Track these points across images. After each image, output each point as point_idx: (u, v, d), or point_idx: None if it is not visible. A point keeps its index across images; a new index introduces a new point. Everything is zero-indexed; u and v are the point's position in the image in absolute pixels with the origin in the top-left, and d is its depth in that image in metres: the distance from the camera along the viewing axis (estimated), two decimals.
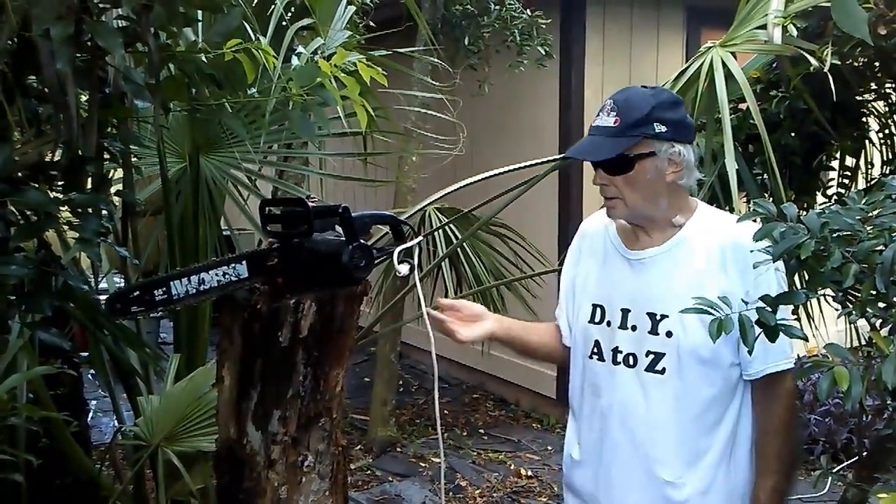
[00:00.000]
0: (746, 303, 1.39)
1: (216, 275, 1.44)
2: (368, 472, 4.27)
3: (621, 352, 1.62)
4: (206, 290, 1.43)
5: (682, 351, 1.56)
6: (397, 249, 1.63)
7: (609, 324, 1.65)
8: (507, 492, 4.07)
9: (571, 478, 1.76)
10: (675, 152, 1.54)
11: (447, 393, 5.54)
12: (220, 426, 1.59)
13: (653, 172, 1.54)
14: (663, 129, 1.52)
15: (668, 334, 1.57)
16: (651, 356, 1.59)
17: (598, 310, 1.68)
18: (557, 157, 3.19)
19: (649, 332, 1.59)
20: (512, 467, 4.33)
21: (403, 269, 1.62)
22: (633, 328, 1.62)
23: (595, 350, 1.67)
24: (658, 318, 1.58)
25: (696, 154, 1.61)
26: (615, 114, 1.54)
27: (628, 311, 1.63)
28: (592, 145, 1.56)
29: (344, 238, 1.50)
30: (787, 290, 1.65)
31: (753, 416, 1.63)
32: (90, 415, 3.67)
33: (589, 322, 1.70)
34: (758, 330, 1.63)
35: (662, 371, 1.58)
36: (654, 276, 1.60)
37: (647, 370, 1.59)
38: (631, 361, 1.61)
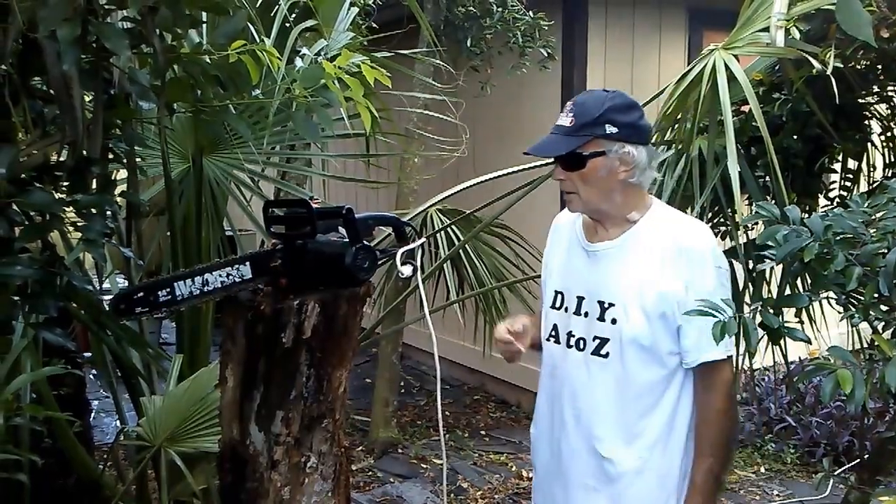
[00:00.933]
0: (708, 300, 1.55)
1: (220, 276, 1.45)
2: (370, 473, 4.27)
3: (574, 336, 1.74)
4: (209, 291, 1.44)
5: (625, 338, 1.67)
6: (400, 251, 1.63)
7: (566, 310, 1.78)
8: (508, 493, 4.07)
9: (533, 450, 1.93)
10: (625, 153, 1.64)
11: (448, 394, 5.53)
12: (223, 427, 1.59)
13: (604, 170, 1.65)
14: (614, 130, 1.63)
15: (613, 321, 1.69)
16: (597, 341, 1.70)
17: (559, 296, 1.81)
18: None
19: (598, 319, 1.71)
20: (513, 469, 4.33)
21: (406, 270, 1.64)
22: (586, 314, 1.74)
23: (553, 333, 1.80)
24: (606, 305, 1.70)
25: (651, 155, 1.70)
26: (572, 115, 1.66)
27: (583, 298, 1.75)
28: (549, 143, 1.68)
29: (347, 240, 1.50)
30: (728, 288, 1.72)
31: (693, 403, 1.71)
32: (92, 415, 3.67)
33: (550, 307, 1.82)
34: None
35: (606, 355, 1.69)
36: (606, 267, 1.72)
37: (592, 354, 1.71)
38: (581, 345, 1.73)
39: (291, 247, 1.52)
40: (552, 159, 1.75)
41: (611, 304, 1.69)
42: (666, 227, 1.71)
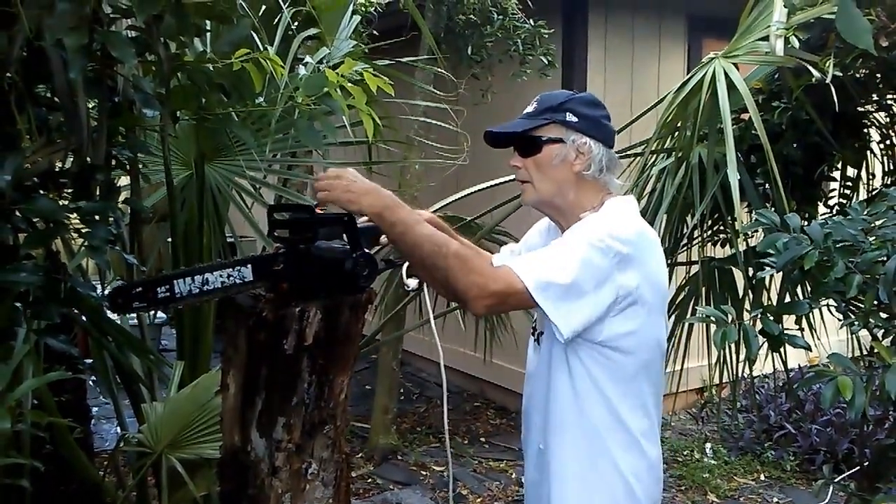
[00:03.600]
0: None
1: (220, 276, 1.44)
2: (369, 479, 4.26)
3: (537, 330, 1.76)
4: (209, 291, 1.43)
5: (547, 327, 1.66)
6: (406, 263, 1.64)
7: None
8: (508, 500, 4.06)
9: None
10: (583, 143, 1.61)
11: (448, 401, 5.52)
12: (225, 433, 1.59)
13: (558, 158, 1.62)
14: (574, 119, 1.61)
15: None
16: (540, 333, 1.73)
17: None
18: None
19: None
20: (513, 476, 4.32)
21: (412, 283, 1.66)
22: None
23: (532, 332, 1.81)
24: None
25: (611, 158, 1.66)
26: (536, 103, 1.66)
27: None
28: (506, 125, 1.68)
29: (349, 246, 1.51)
30: (579, 253, 1.54)
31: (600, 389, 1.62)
32: (93, 421, 3.67)
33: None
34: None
35: (539, 342, 1.72)
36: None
37: (536, 342, 1.75)
38: (538, 338, 1.76)
39: (293, 251, 1.51)
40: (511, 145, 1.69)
41: None
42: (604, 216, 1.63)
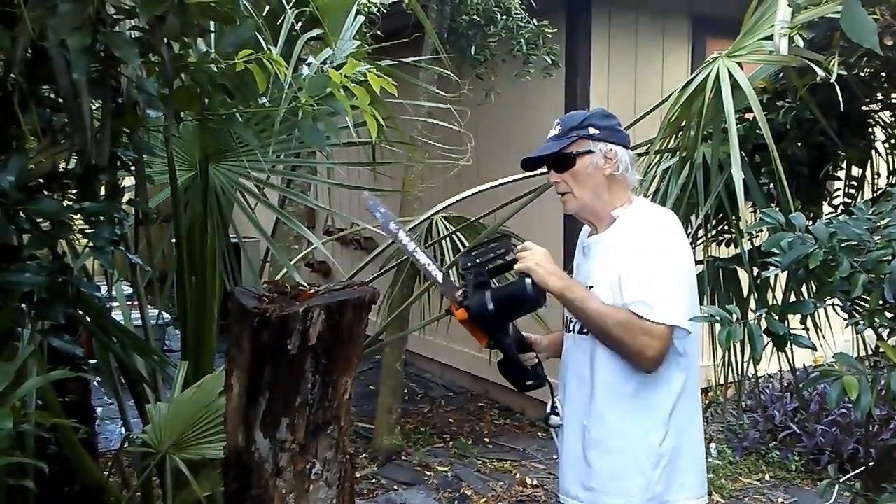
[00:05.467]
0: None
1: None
2: (374, 480, 4.26)
3: (572, 321, 1.96)
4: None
5: None
6: (550, 404, 1.95)
7: None
8: (512, 501, 4.06)
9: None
10: (608, 150, 1.89)
11: (452, 401, 5.53)
12: (229, 433, 1.59)
13: (591, 166, 1.89)
14: (596, 131, 1.89)
15: None
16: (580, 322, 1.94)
17: None
18: None
19: None
20: (517, 476, 4.32)
21: (555, 420, 1.94)
22: None
23: (564, 324, 2.02)
24: (588, 288, 1.91)
25: (631, 157, 1.93)
26: (559, 126, 1.93)
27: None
28: (541, 150, 1.94)
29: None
30: (661, 261, 1.83)
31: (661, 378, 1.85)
32: (97, 422, 3.68)
33: None
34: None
35: (586, 332, 1.91)
36: (592, 257, 1.96)
37: (578, 332, 1.94)
38: (572, 327, 1.97)
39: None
40: (546, 166, 1.96)
41: (590, 287, 1.90)
42: (633, 220, 1.90)
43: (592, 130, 1.88)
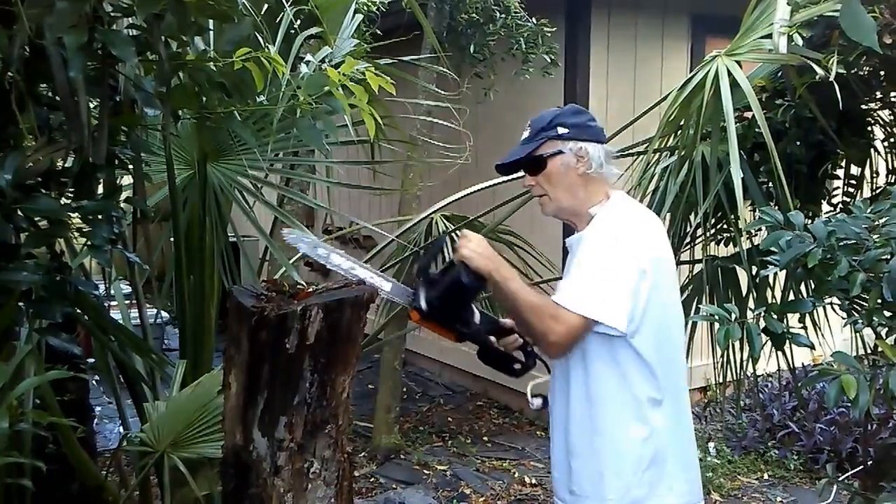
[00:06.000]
0: None
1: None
2: (372, 479, 4.26)
3: None
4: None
5: None
6: (532, 383, 1.89)
7: None
8: (510, 500, 4.06)
9: None
10: (579, 148, 1.84)
11: (451, 400, 5.53)
12: (227, 432, 1.59)
13: (563, 166, 1.85)
14: (565, 130, 1.85)
15: None
16: None
17: None
18: None
19: None
20: (516, 475, 4.32)
21: (537, 402, 1.89)
22: None
23: None
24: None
25: (606, 151, 1.88)
26: (528, 128, 1.91)
27: None
28: (510, 154, 1.92)
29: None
30: (598, 258, 1.79)
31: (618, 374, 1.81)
32: (95, 421, 3.68)
33: None
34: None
35: None
36: (571, 256, 1.92)
37: None
38: None
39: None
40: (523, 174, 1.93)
41: None
42: (605, 217, 1.86)
43: (561, 130, 1.85)
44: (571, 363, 1.83)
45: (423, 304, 1.78)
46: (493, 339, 1.92)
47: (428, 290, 1.80)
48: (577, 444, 1.84)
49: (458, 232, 2.21)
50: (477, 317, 1.87)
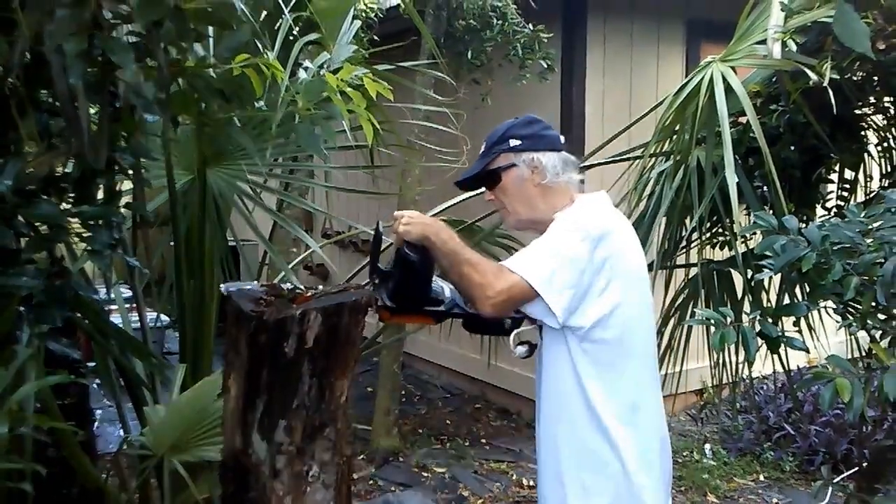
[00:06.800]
0: None
1: None
2: (371, 482, 4.27)
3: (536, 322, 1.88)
4: None
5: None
6: (515, 331, 1.85)
7: None
8: (509, 502, 4.07)
9: None
10: (530, 159, 1.83)
11: (450, 402, 5.54)
12: (226, 436, 1.60)
13: (518, 179, 1.84)
14: (518, 142, 1.84)
15: None
16: (540, 326, 1.86)
17: None
18: None
19: None
20: (514, 477, 4.33)
21: (521, 350, 1.86)
22: None
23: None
24: None
25: (563, 159, 1.85)
26: (484, 143, 1.89)
27: None
28: (469, 171, 1.91)
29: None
30: (549, 242, 1.75)
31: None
32: (95, 425, 3.67)
33: None
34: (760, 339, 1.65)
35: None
36: None
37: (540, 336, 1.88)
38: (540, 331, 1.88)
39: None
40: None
41: None
42: (570, 212, 1.82)
43: (514, 142, 1.83)
44: (544, 362, 1.82)
45: (387, 301, 1.74)
46: None
47: (385, 285, 1.76)
48: (539, 449, 1.85)
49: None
50: (447, 290, 1.83)
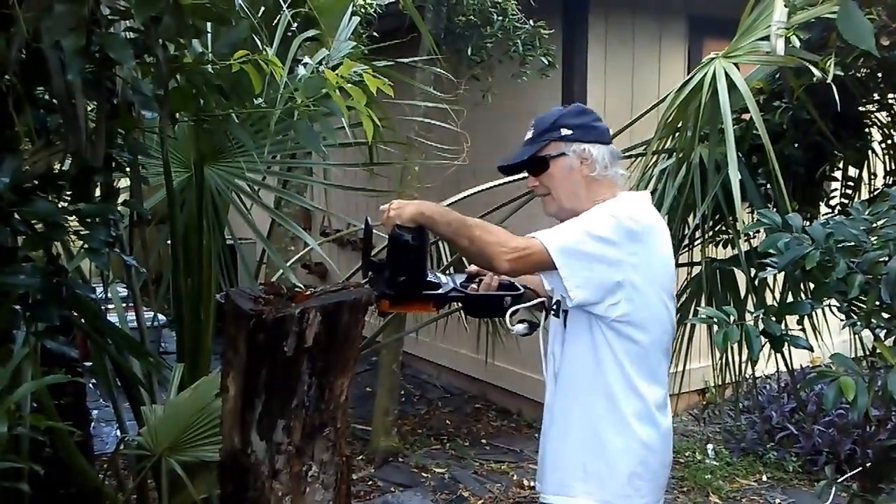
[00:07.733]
0: None
1: None
2: (370, 482, 4.25)
3: (553, 299, 1.91)
4: None
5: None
6: (511, 309, 1.84)
7: None
8: (509, 502, 4.06)
9: None
10: (582, 150, 1.82)
11: (449, 403, 5.52)
12: (225, 436, 1.59)
13: (566, 169, 1.83)
14: (569, 132, 1.83)
15: None
16: (556, 303, 1.90)
17: None
18: None
19: None
20: (514, 478, 4.31)
21: (520, 328, 1.86)
22: None
23: (547, 310, 1.96)
24: None
25: (612, 152, 1.86)
26: (532, 128, 1.88)
27: None
28: (514, 154, 1.90)
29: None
30: (585, 227, 1.74)
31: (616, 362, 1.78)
32: (92, 424, 3.66)
33: None
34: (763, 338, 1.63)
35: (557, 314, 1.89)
36: None
37: (555, 315, 1.90)
38: (557, 311, 1.89)
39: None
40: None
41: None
42: (613, 201, 1.83)
43: (565, 131, 1.82)
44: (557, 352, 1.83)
45: (385, 290, 1.73)
46: (473, 286, 1.87)
47: (381, 276, 1.75)
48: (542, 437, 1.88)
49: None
50: (444, 278, 1.84)
